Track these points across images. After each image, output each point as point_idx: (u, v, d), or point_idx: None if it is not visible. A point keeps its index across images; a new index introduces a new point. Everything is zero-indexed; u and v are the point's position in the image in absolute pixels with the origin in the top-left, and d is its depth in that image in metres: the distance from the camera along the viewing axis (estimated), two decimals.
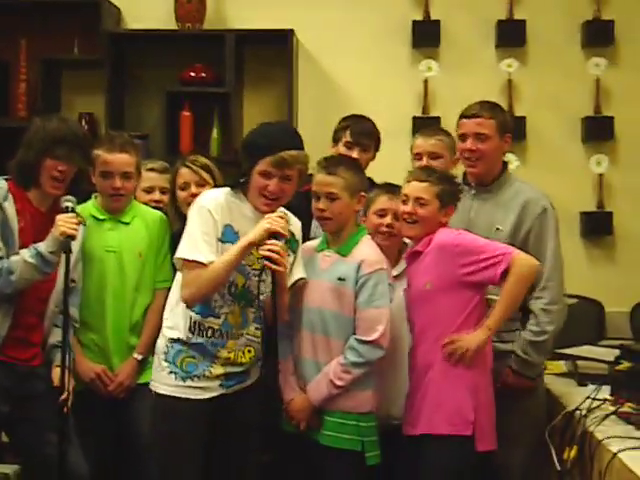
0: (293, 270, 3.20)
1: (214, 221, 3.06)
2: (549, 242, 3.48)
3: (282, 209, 3.16)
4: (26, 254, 3.18)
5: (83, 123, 5.03)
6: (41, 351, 3.35)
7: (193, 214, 3.11)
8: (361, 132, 3.88)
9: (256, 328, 3.17)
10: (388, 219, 3.39)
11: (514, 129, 3.79)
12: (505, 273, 3.10)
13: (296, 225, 3.27)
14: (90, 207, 3.57)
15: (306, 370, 3.24)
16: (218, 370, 3.13)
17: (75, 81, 5.25)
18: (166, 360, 3.15)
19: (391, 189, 3.44)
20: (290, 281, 3.18)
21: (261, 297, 3.13)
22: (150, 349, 3.52)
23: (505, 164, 3.65)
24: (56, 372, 3.25)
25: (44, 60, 5.03)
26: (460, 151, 3.61)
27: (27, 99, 5.07)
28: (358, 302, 3.19)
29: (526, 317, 3.49)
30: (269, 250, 2.96)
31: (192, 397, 3.11)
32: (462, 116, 3.59)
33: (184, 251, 3.07)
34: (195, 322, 3.12)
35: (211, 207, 3.07)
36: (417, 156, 3.77)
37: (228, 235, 3.09)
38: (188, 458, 3.10)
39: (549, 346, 3.50)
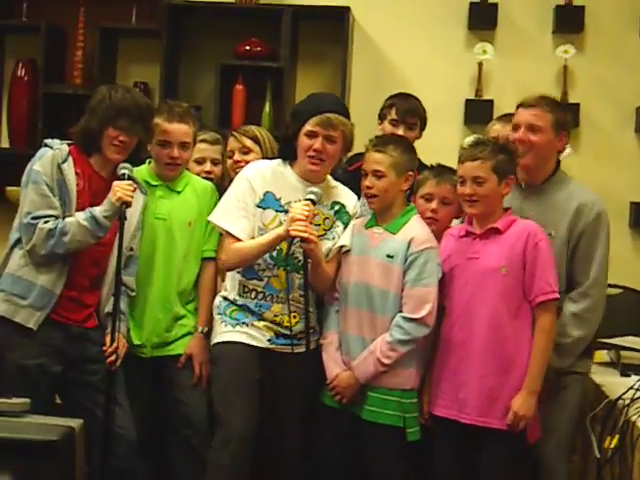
0: (340, 238, 3.30)
1: (252, 189, 3.20)
2: (598, 249, 3.35)
3: (330, 182, 3.29)
4: (80, 216, 3.25)
5: None
6: (95, 314, 3.40)
7: (233, 183, 3.28)
8: (407, 110, 3.90)
9: (300, 295, 3.23)
10: (434, 204, 3.40)
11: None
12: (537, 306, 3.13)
13: (351, 199, 3.37)
14: (144, 172, 3.59)
15: (351, 346, 3.26)
16: (266, 323, 3.24)
17: (131, 50, 5.28)
18: (218, 314, 3.31)
19: (440, 172, 3.43)
20: (335, 245, 3.27)
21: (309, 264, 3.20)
22: (210, 320, 3.53)
23: (558, 163, 3.49)
24: (108, 340, 3.32)
25: (101, 28, 5.05)
26: (512, 141, 3.39)
27: (83, 67, 5.11)
28: (407, 280, 3.19)
29: None
30: (295, 230, 3.06)
31: (240, 341, 3.23)
32: (519, 105, 3.45)
33: (217, 216, 3.27)
34: (240, 283, 3.27)
35: (250, 175, 3.23)
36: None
37: (269, 201, 3.21)
38: (240, 392, 3.18)
39: (574, 350, 3.32)
